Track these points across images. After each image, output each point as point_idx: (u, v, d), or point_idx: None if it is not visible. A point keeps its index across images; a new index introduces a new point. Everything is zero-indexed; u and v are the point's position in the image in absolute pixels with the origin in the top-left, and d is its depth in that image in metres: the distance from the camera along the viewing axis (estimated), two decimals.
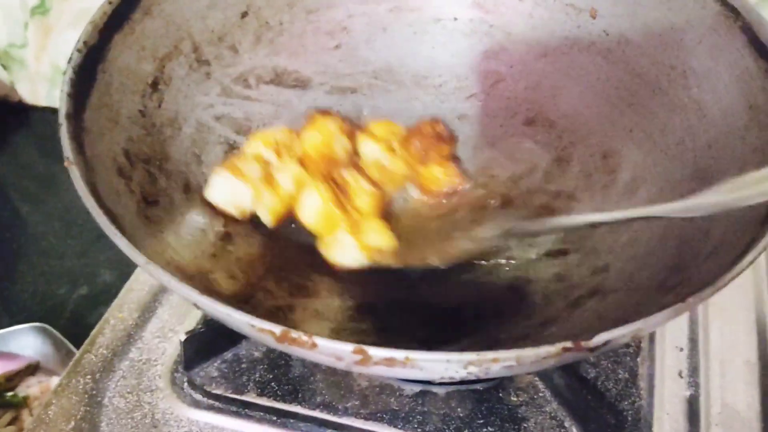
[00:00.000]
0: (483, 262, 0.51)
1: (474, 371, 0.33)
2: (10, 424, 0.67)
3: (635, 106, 0.54)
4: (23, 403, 0.68)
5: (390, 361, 0.32)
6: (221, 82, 0.55)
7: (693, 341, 0.52)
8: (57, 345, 0.72)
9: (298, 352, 0.33)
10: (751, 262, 0.35)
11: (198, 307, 0.35)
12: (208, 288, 0.42)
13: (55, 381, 0.64)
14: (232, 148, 0.54)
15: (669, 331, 0.52)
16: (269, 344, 0.34)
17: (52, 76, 0.91)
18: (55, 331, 0.71)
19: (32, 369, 0.71)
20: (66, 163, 0.39)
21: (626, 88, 0.54)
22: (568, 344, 0.32)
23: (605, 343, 0.33)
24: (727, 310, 0.53)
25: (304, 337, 0.32)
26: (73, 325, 0.74)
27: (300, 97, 0.59)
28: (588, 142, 0.55)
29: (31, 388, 0.70)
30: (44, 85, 0.91)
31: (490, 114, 0.60)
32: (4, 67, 0.90)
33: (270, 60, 0.58)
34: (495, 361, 0.32)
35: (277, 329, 0.32)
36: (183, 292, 0.35)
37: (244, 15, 0.57)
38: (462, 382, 0.48)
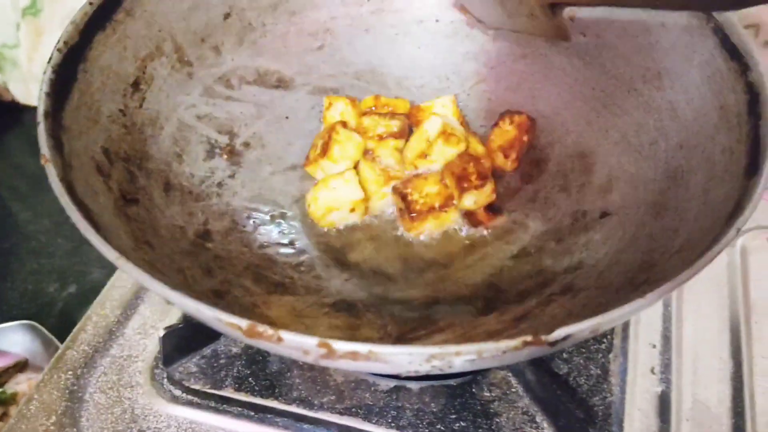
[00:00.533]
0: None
1: (438, 365, 0.33)
2: None
3: (611, 107, 0.54)
4: (12, 399, 0.69)
5: (354, 355, 0.33)
6: (203, 83, 0.56)
7: (666, 338, 0.52)
8: (46, 343, 0.72)
9: (266, 346, 0.34)
10: (711, 260, 0.36)
11: (169, 302, 0.36)
12: (183, 284, 0.43)
13: None
14: (213, 147, 0.55)
15: (642, 328, 0.53)
16: (238, 338, 0.35)
17: None
18: (44, 329, 0.71)
19: (21, 366, 0.72)
20: (42, 161, 0.39)
21: (602, 89, 0.55)
22: (528, 338, 0.33)
23: (565, 338, 0.33)
24: (700, 308, 0.54)
25: (270, 331, 0.33)
26: (62, 323, 0.75)
27: (282, 97, 0.60)
28: (565, 142, 0.56)
29: (19, 385, 0.70)
30: (36, 85, 0.91)
31: (470, 114, 0.61)
32: None
33: (253, 61, 0.59)
34: (457, 354, 0.33)
35: (244, 323, 0.33)
36: (154, 287, 0.35)
37: (227, 16, 0.57)
38: (435, 378, 0.49)
